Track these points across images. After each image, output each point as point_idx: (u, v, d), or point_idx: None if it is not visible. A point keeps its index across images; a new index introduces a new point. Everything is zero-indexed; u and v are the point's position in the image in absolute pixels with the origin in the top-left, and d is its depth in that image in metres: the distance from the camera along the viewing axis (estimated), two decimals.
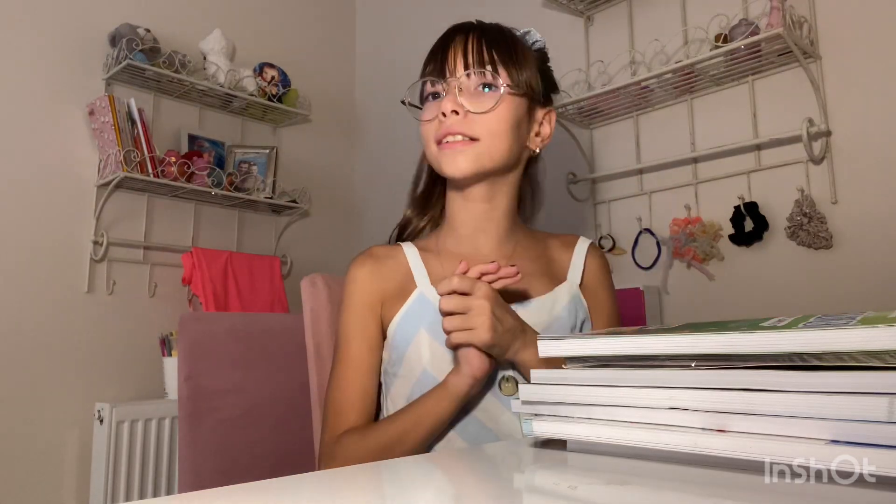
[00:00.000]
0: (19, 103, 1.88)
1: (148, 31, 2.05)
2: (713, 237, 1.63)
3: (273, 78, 2.36)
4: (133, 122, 1.97)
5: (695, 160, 1.70)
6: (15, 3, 1.90)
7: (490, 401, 0.78)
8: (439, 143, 0.81)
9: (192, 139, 2.21)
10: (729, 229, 1.61)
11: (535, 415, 0.50)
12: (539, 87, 0.86)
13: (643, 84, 1.69)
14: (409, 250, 0.87)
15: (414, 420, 0.74)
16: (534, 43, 0.91)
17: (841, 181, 1.47)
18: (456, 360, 0.74)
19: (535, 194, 0.94)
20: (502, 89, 0.81)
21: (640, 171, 1.82)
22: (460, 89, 0.81)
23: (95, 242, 1.97)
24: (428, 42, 0.87)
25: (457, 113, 0.80)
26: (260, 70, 2.35)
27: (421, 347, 0.80)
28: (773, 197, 1.56)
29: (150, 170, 1.96)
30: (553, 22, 2.03)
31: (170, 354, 1.98)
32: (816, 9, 1.53)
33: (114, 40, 2.01)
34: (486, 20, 0.92)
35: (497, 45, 0.83)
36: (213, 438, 0.85)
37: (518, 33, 0.89)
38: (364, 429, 0.79)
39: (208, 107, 2.29)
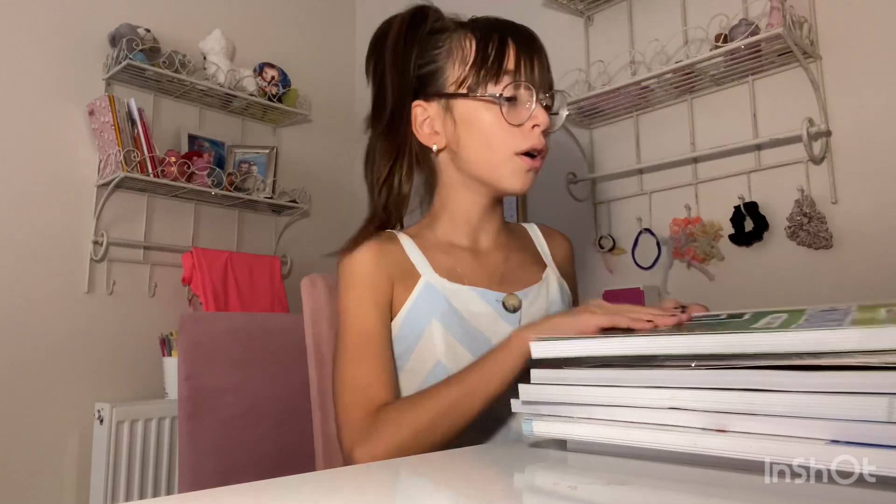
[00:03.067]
0: (19, 103, 1.88)
1: (148, 31, 2.05)
2: (713, 237, 1.63)
3: (273, 78, 2.36)
4: (133, 122, 1.97)
5: (695, 160, 1.70)
6: (15, 4, 1.90)
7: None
8: (520, 154, 0.79)
9: (192, 139, 2.21)
10: (729, 229, 1.61)
11: (536, 415, 0.50)
12: None
13: (643, 84, 1.69)
14: (404, 239, 0.84)
15: (466, 387, 0.68)
16: None
17: (841, 181, 1.47)
18: (532, 325, 0.68)
19: None
20: (563, 113, 0.84)
21: (640, 171, 1.82)
22: (542, 103, 0.80)
23: (95, 242, 1.97)
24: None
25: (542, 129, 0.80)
26: (260, 70, 2.35)
27: (434, 338, 0.77)
28: (773, 197, 1.56)
29: (150, 170, 1.96)
30: (553, 22, 2.03)
31: (170, 354, 1.98)
32: (816, 9, 1.53)
33: (114, 40, 2.01)
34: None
35: (549, 65, 0.84)
36: (213, 438, 0.85)
37: None
38: (402, 403, 0.71)
39: (208, 107, 2.29)
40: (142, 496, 1.80)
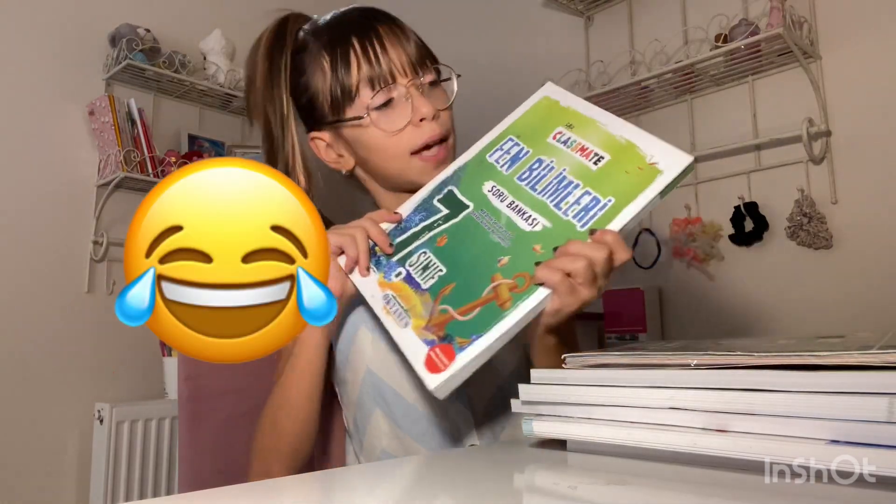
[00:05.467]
0: (19, 103, 1.88)
1: (148, 31, 2.05)
2: (713, 237, 1.63)
3: None
4: (133, 122, 1.97)
5: (695, 160, 1.71)
6: (15, 4, 1.90)
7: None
8: (415, 151, 0.74)
9: (192, 139, 2.21)
10: (729, 229, 1.61)
11: (535, 415, 0.50)
12: None
13: (643, 84, 1.69)
14: None
15: (288, 372, 0.68)
16: None
17: (841, 181, 1.47)
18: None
19: None
20: (453, 77, 0.76)
21: None
22: (421, 90, 0.74)
23: (95, 242, 1.97)
24: (427, 42, 0.83)
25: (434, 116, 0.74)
26: None
27: (363, 346, 0.72)
28: (773, 197, 1.56)
29: (151, 170, 1.96)
30: (553, 22, 2.03)
31: (170, 354, 1.97)
32: (816, 9, 1.53)
33: (114, 40, 2.01)
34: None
35: (410, 32, 0.76)
36: (213, 438, 0.85)
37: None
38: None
39: (208, 107, 2.29)
40: (142, 496, 1.79)
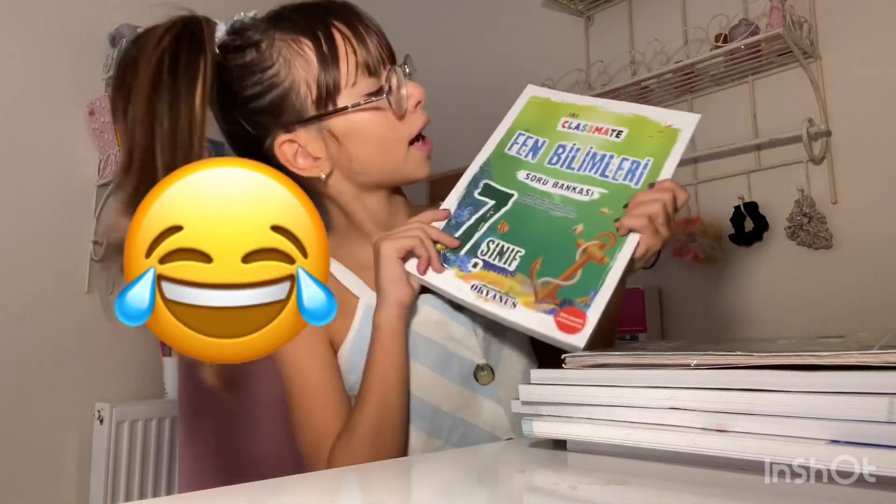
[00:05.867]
0: (19, 103, 1.88)
1: None
2: (713, 237, 1.63)
3: None
4: None
5: (695, 160, 1.70)
6: (15, 4, 1.90)
7: (468, 396, 0.72)
8: (412, 141, 0.72)
9: None
10: (729, 229, 1.61)
11: (536, 415, 0.50)
12: None
13: (643, 84, 1.69)
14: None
15: (380, 391, 0.65)
16: None
17: (841, 181, 1.47)
18: (379, 304, 0.66)
19: None
20: (409, 62, 0.73)
21: None
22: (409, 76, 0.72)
23: (95, 242, 1.97)
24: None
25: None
26: None
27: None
28: (773, 197, 1.56)
29: None
30: (553, 22, 2.03)
31: (170, 354, 1.97)
32: (816, 9, 1.53)
33: (114, 40, 2.01)
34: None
35: (372, 21, 0.74)
36: (213, 438, 0.85)
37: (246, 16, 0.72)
38: (341, 433, 0.68)
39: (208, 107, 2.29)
40: (142, 496, 1.79)
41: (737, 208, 1.59)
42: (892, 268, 1.38)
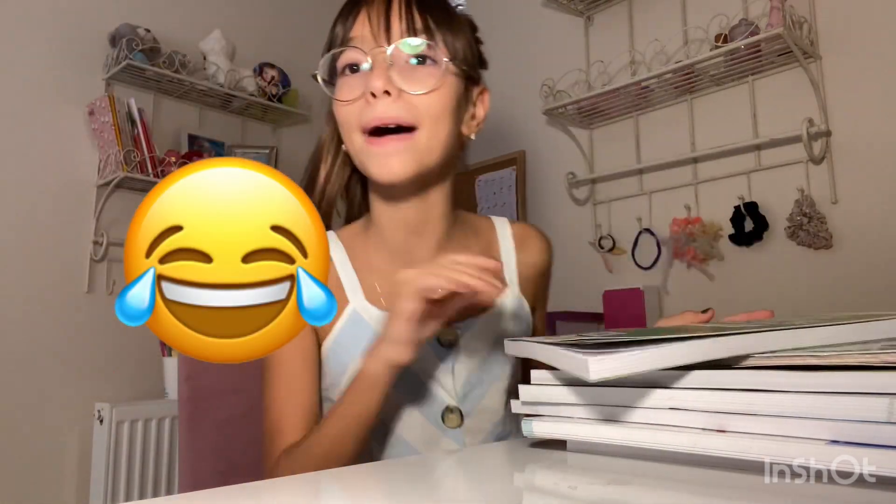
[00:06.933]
0: (19, 103, 1.88)
1: (148, 31, 2.05)
2: (713, 237, 1.63)
3: (273, 78, 2.36)
4: (133, 122, 1.97)
5: (695, 160, 1.70)
6: (15, 4, 1.90)
7: (432, 432, 0.68)
8: (367, 132, 0.64)
9: (192, 139, 2.21)
10: (729, 229, 1.61)
11: (536, 415, 0.50)
12: (474, 60, 0.71)
13: (643, 84, 1.69)
14: (336, 249, 0.71)
15: (341, 428, 0.61)
16: (456, 6, 0.72)
17: (841, 181, 1.47)
18: (377, 352, 0.59)
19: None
20: (444, 63, 0.64)
21: (640, 171, 1.82)
22: (391, 63, 0.64)
23: (95, 242, 1.97)
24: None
25: (388, 94, 0.62)
26: (260, 70, 2.35)
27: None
28: (773, 197, 1.56)
29: (151, 170, 1.96)
30: (553, 22, 2.03)
31: (170, 354, 1.97)
32: (816, 9, 1.53)
33: (114, 40, 2.01)
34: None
35: (430, 7, 0.66)
36: (213, 439, 0.85)
37: None
38: (299, 443, 0.65)
39: (208, 107, 2.29)
40: (142, 496, 1.79)
41: (737, 208, 1.59)
42: (893, 268, 1.38)
